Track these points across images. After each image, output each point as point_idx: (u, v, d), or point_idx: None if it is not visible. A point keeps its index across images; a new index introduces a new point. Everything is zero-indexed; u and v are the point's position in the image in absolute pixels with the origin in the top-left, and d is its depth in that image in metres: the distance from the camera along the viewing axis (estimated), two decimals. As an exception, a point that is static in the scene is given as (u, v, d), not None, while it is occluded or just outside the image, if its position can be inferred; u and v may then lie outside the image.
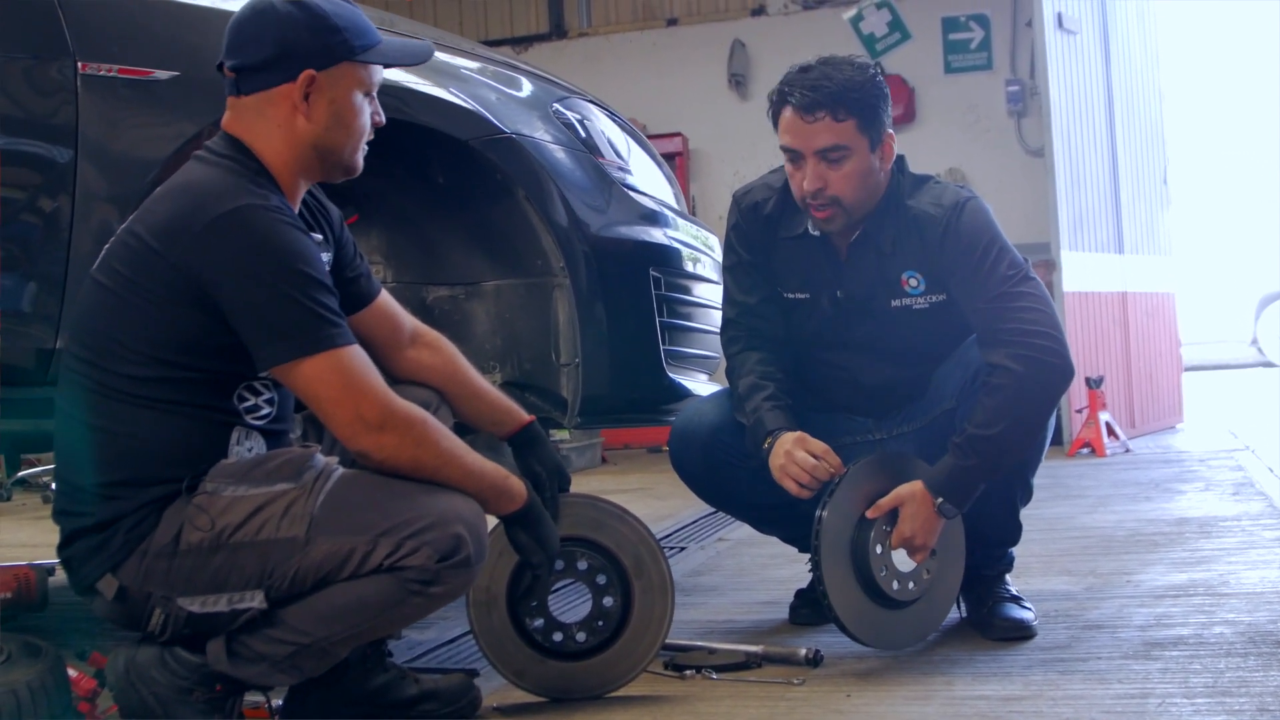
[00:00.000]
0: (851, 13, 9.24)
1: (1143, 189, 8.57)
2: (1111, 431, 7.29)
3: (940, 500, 2.92)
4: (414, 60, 2.60)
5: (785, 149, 3.01)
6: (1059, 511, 5.15)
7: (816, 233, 3.12)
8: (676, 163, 9.74)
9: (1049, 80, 7.46)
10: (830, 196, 2.98)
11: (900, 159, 3.13)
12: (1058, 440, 7.40)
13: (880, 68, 3.12)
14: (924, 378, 3.18)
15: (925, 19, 9.24)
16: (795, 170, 3.02)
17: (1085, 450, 7.23)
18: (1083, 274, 7.64)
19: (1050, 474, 6.39)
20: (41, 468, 7.32)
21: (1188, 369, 13.21)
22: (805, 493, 2.95)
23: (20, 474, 7.47)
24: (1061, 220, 7.44)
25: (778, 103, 3.01)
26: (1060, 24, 7.59)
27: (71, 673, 2.50)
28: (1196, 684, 2.60)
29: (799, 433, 3.00)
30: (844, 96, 2.93)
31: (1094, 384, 7.21)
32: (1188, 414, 9.04)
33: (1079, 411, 7.36)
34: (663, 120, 9.78)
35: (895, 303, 3.11)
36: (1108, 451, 7.15)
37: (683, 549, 4.78)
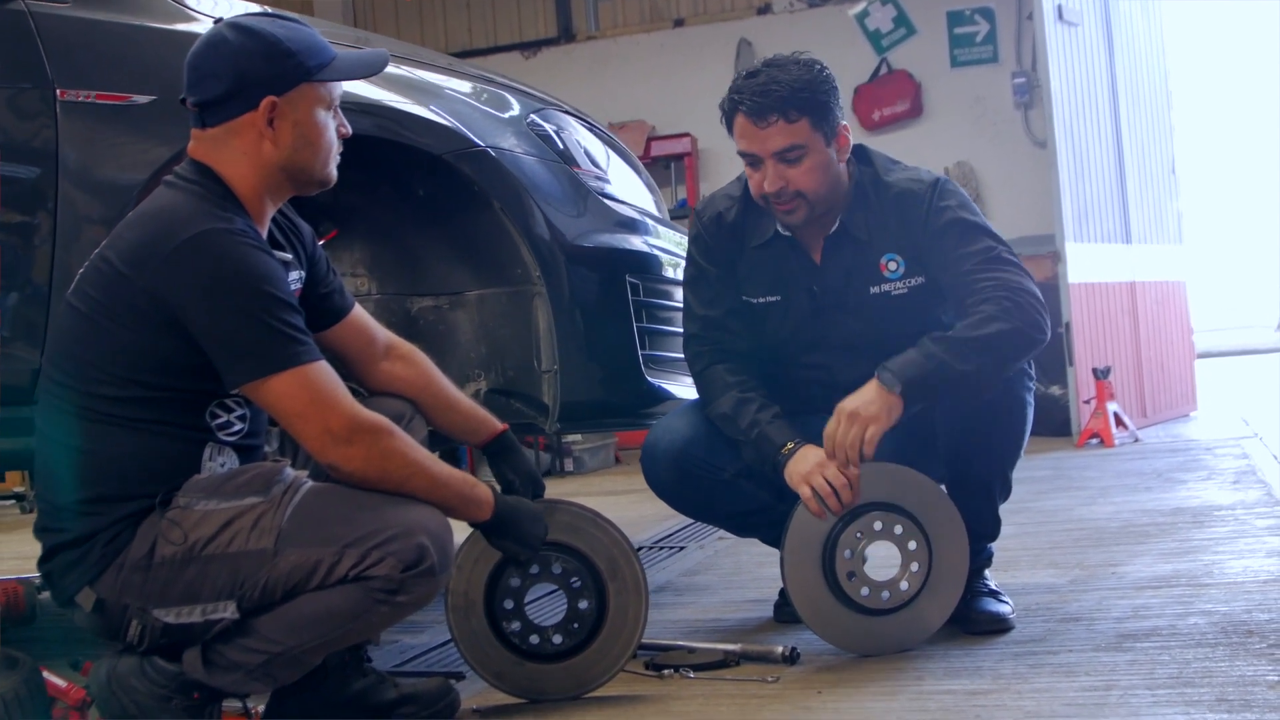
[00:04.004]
0: (857, 9, 9.30)
1: (1150, 179, 8.57)
2: (1120, 422, 7.30)
3: (885, 373, 2.92)
4: (369, 71, 2.66)
5: (743, 154, 3.07)
6: (1057, 503, 5.17)
7: (787, 234, 3.17)
8: (685, 163, 9.80)
9: (1050, 73, 7.48)
10: (793, 193, 3.04)
11: (861, 147, 3.20)
12: (1065, 431, 7.43)
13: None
14: None
15: (930, 13, 9.26)
16: (755, 173, 3.07)
17: (1094, 441, 7.24)
18: (1089, 265, 7.66)
19: (1055, 465, 6.44)
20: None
21: (1210, 356, 13.18)
22: (815, 505, 2.96)
23: (42, 486, 7.57)
24: (1065, 212, 7.46)
25: (729, 111, 3.06)
26: (1061, 16, 7.61)
27: (61, 683, 2.57)
28: (1161, 675, 2.64)
29: None
30: (793, 98, 2.99)
31: (1101, 374, 7.23)
32: (1205, 401, 9.03)
33: (1086, 402, 7.38)
34: (671, 121, 9.84)
35: (874, 289, 3.15)
36: (1116, 442, 7.16)
37: (682, 549, 4.83)
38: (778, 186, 3.03)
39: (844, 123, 3.09)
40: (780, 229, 3.17)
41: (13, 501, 7.59)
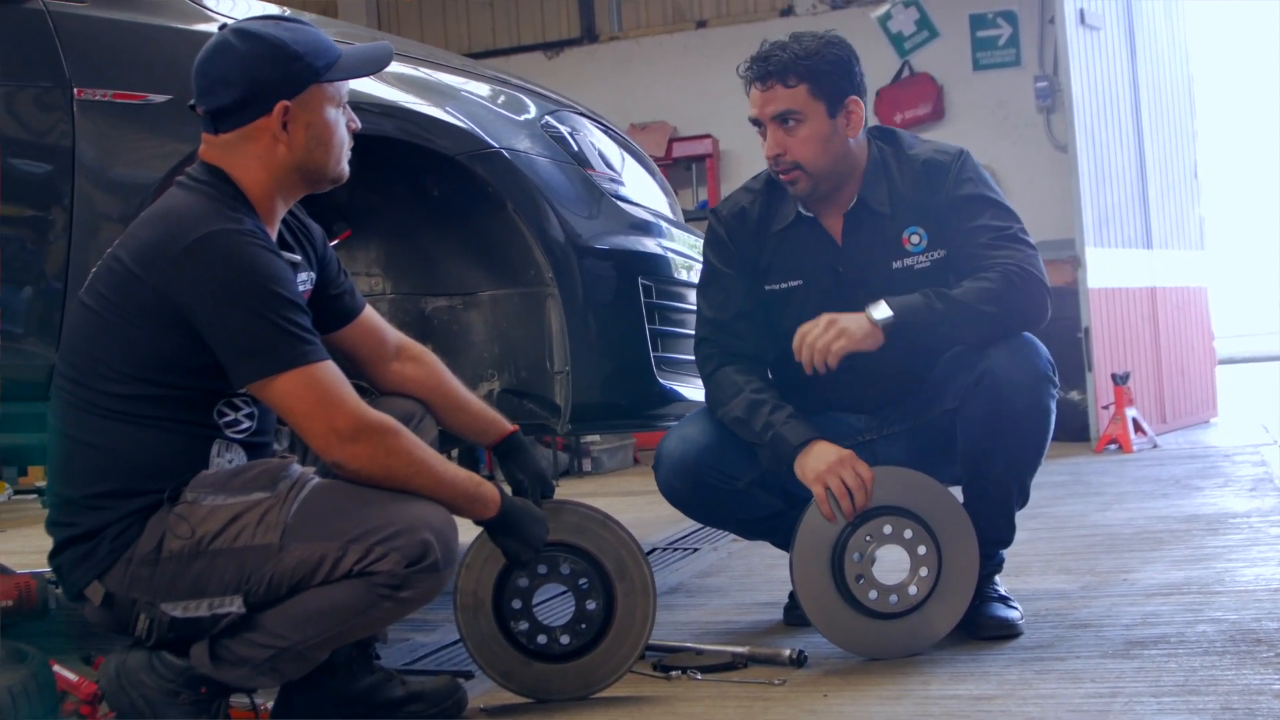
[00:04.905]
0: (880, 11, 9.30)
1: (1172, 184, 8.55)
2: (1138, 427, 7.28)
3: (879, 306, 2.99)
4: (376, 67, 2.68)
5: (751, 120, 3.15)
6: (1073, 509, 5.16)
7: (809, 214, 3.20)
8: (707, 164, 9.82)
9: (1071, 77, 7.47)
10: (790, 161, 3.10)
11: (890, 131, 3.26)
12: (1084, 436, 7.42)
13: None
14: (922, 371, 3.20)
15: (953, 16, 9.26)
16: (763, 141, 3.15)
17: (1112, 447, 7.22)
18: (1110, 270, 7.64)
19: (1073, 471, 6.42)
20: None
21: (1233, 361, 13.11)
22: (827, 508, 2.96)
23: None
24: (1086, 217, 7.45)
25: (745, 80, 3.15)
26: (1083, 20, 7.59)
27: (73, 677, 2.59)
28: (1167, 683, 2.63)
29: (851, 452, 3.02)
30: (793, 64, 3.07)
31: (1120, 380, 7.21)
32: (1226, 408, 9.00)
33: (1105, 408, 7.36)
34: (693, 122, 9.86)
35: (896, 264, 3.17)
36: (1135, 448, 7.14)
37: (695, 550, 4.84)
38: (775, 152, 3.11)
39: (854, 97, 3.12)
40: (802, 210, 3.20)
41: (34, 496, 7.64)
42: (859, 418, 3.29)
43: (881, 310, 2.99)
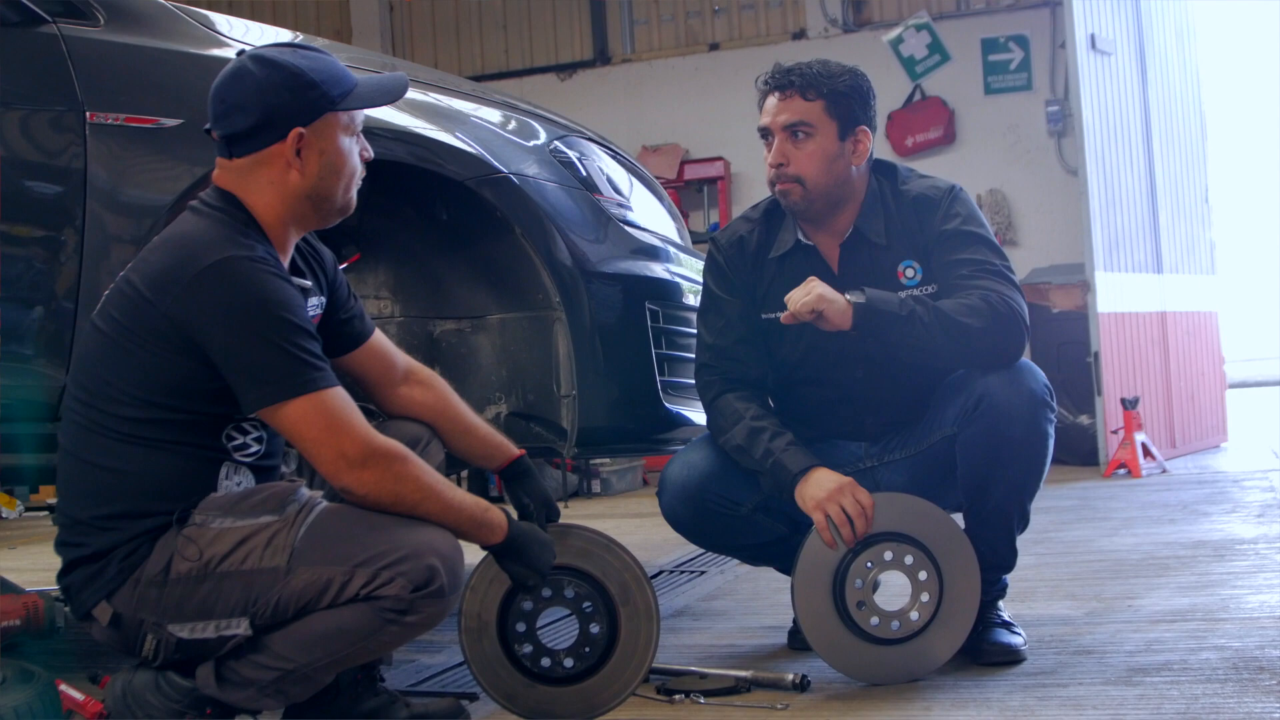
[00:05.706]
0: (892, 35, 9.35)
1: (1182, 208, 8.55)
2: (1148, 452, 7.27)
3: (858, 290, 3.01)
4: (391, 98, 2.70)
5: (760, 129, 3.18)
6: (1080, 534, 5.16)
7: (809, 242, 3.22)
8: (718, 186, 9.85)
9: (1082, 102, 7.49)
10: (792, 174, 3.13)
11: (888, 164, 3.29)
12: (1092, 461, 7.41)
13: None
14: (922, 397, 3.22)
15: (965, 41, 9.30)
16: (768, 152, 3.18)
17: (1121, 471, 7.22)
18: (1119, 294, 7.65)
19: (1081, 495, 6.42)
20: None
21: (1245, 386, 13.08)
22: (829, 535, 2.98)
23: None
24: (1096, 242, 7.46)
25: (762, 92, 3.20)
26: (1094, 45, 7.61)
27: (79, 696, 2.61)
28: (1169, 710, 2.64)
29: (851, 479, 3.03)
30: (816, 80, 3.14)
31: (1129, 404, 7.21)
32: (1237, 433, 8.99)
33: (1115, 432, 7.35)
34: (705, 144, 9.90)
35: None
36: (1143, 472, 7.13)
37: (702, 573, 4.84)
38: (778, 161, 3.14)
39: (864, 127, 3.16)
40: (801, 237, 3.21)
41: (45, 513, 7.68)
42: (860, 445, 3.30)
43: (856, 295, 3.01)
